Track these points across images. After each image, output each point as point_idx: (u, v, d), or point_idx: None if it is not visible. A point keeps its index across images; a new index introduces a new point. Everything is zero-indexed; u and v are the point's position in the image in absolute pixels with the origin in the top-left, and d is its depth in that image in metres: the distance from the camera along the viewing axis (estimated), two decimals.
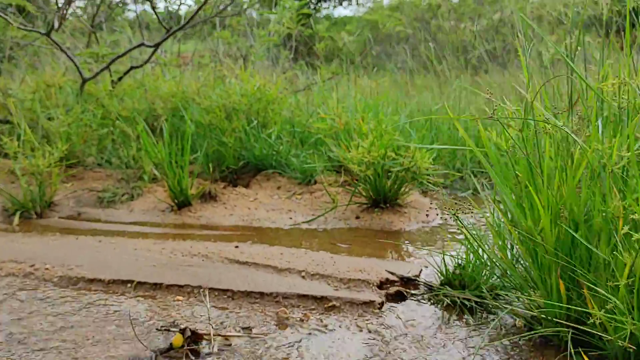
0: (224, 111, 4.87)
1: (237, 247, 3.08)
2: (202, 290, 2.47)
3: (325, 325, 2.16)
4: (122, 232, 3.57)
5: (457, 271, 2.40)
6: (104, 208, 4.19)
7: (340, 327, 2.15)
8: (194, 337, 2.00)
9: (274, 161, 4.76)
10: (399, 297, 2.42)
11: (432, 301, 2.37)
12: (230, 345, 2.01)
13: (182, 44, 9.36)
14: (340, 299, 2.33)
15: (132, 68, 6.21)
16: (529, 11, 12.21)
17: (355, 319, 2.21)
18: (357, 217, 3.74)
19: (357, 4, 18.66)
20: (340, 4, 17.99)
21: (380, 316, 2.23)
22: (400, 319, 2.22)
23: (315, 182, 4.50)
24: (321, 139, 4.89)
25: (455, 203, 4.18)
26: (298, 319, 2.22)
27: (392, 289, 2.43)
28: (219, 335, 2.04)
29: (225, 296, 2.43)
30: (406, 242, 3.28)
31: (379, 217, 3.68)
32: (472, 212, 4.12)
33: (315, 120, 4.99)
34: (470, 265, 2.37)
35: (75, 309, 2.30)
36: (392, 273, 2.59)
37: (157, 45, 5.17)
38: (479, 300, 2.27)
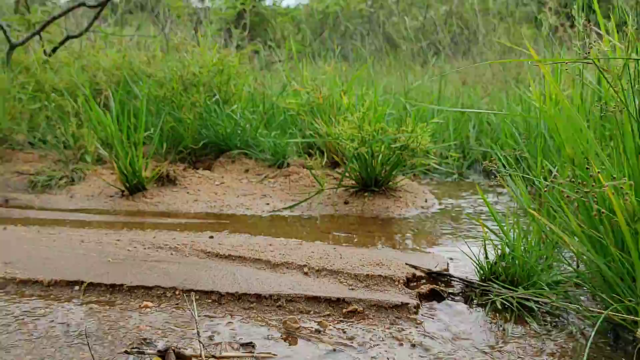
0: (181, 84, 4.23)
1: (212, 237, 2.49)
2: (176, 292, 1.88)
3: (352, 338, 1.62)
4: (62, 221, 2.90)
5: (504, 263, 1.92)
6: (38, 194, 3.48)
7: (371, 339, 1.62)
8: None
9: (240, 141, 4.16)
10: (434, 298, 1.92)
11: (476, 302, 1.88)
12: None
13: (122, 29, 8.56)
14: (363, 301, 1.80)
15: (68, 37, 5.44)
16: (475, 5, 12.16)
17: (388, 329, 1.69)
18: (346, 202, 3.22)
19: None
20: None
21: (420, 324, 1.72)
22: (446, 327, 1.71)
23: (289, 165, 3.95)
24: (291, 118, 4.34)
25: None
26: (313, 329, 1.67)
27: (424, 287, 1.93)
28: (213, 357, 1.47)
29: (210, 300, 1.85)
30: (411, 230, 2.78)
31: (371, 202, 3.17)
32: (464, 198, 3.70)
33: (286, 96, 4.43)
34: (520, 256, 1.89)
35: (2, 323, 1.66)
36: (415, 267, 2.08)
37: (101, 5, 4.44)
38: (538, 299, 1.80)
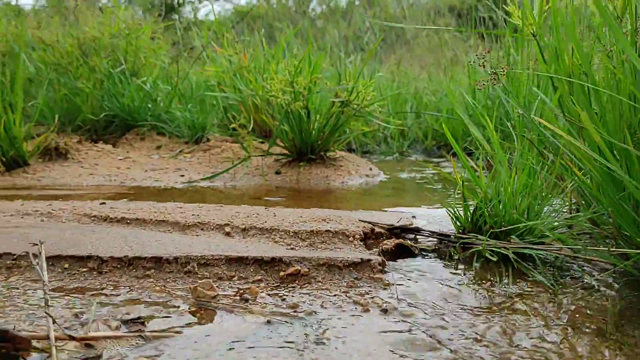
0: (79, 49, 3.58)
1: (103, 203, 1.90)
2: (37, 261, 1.29)
3: (294, 307, 1.11)
4: None
5: (490, 208, 1.46)
6: None
7: (323, 306, 1.11)
8: (11, 347, 0.85)
9: (151, 115, 3.56)
10: (402, 255, 1.43)
11: (457, 257, 1.41)
12: (98, 358, 0.89)
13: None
14: (307, 260, 1.28)
15: None
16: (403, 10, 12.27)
17: (346, 293, 1.18)
18: (278, 173, 2.70)
19: None
20: None
21: (389, 285, 1.22)
22: (425, 288, 1.23)
23: (208, 140, 3.39)
24: (211, 90, 3.79)
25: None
26: (237, 298, 1.14)
27: (389, 243, 1.44)
28: (72, 338, 0.90)
29: (85, 269, 1.27)
30: (360, 196, 2.30)
31: (307, 172, 2.67)
32: (410, 171, 3.28)
33: (205, 66, 3.87)
34: (511, 195, 1.45)
35: None
36: (372, 223, 1.59)
37: None
38: (539, 249, 1.35)
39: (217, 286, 1.20)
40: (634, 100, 1.34)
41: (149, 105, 3.57)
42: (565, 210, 1.71)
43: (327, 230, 1.46)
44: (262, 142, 3.11)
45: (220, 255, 1.29)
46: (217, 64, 3.65)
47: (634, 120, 1.33)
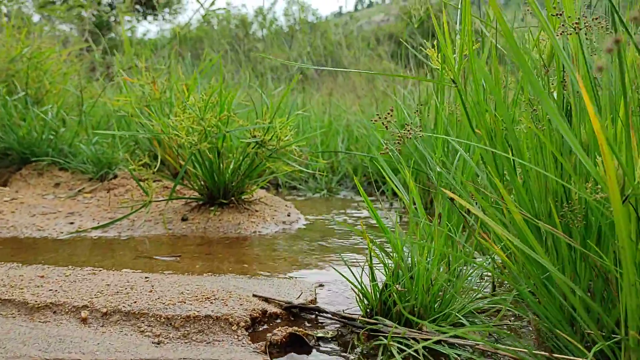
0: None
1: None
2: None
3: None
4: None
5: (400, 286, 1.25)
6: None
7: None
8: None
9: (52, 148, 3.20)
10: (294, 348, 1.19)
11: (360, 350, 1.18)
12: None
13: None
14: None
15: None
16: (341, 38, 12.39)
17: None
18: (184, 219, 2.42)
19: (164, 19, 17.21)
20: (145, 18, 16.40)
21: None
22: None
23: (116, 177, 3.07)
24: (125, 124, 3.49)
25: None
26: None
27: (279, 333, 1.19)
28: None
29: None
30: (268, 250, 2.06)
31: (218, 218, 2.41)
32: (335, 214, 3.07)
33: (119, 95, 3.56)
34: (425, 272, 1.24)
35: None
36: (267, 300, 1.35)
37: None
38: (455, 341, 1.14)
39: None
40: (560, 167, 1.17)
41: (51, 137, 3.22)
42: (486, 284, 1.53)
43: (207, 316, 1.20)
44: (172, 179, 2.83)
45: (55, 359, 1.01)
46: (132, 92, 3.36)
47: (559, 188, 1.16)
